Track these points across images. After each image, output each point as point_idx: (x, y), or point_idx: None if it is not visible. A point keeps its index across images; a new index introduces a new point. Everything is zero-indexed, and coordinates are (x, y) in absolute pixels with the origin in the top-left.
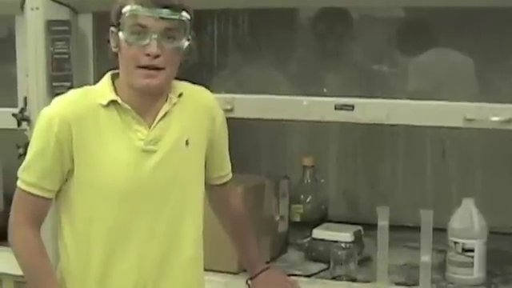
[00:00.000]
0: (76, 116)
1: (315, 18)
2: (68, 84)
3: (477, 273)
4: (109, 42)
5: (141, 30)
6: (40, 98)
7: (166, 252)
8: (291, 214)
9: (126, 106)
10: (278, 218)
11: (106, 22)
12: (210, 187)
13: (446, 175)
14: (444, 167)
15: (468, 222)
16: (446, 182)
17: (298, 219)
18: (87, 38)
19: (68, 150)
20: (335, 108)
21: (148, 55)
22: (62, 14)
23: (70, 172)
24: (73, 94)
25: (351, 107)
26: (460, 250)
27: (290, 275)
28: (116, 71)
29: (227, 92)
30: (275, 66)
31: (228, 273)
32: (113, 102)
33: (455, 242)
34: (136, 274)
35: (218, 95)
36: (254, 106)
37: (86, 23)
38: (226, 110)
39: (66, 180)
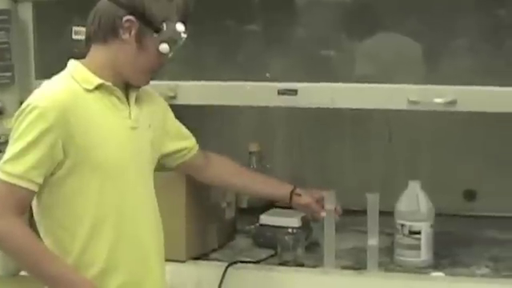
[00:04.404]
0: (68, 104)
1: (259, 2)
2: (9, 74)
3: (424, 255)
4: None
5: (173, 45)
6: None
7: (154, 231)
8: (238, 200)
9: (114, 87)
10: (224, 204)
11: (46, 11)
12: (197, 168)
13: (393, 158)
14: (390, 151)
15: (414, 204)
16: (393, 166)
17: (245, 205)
18: (27, 28)
19: (62, 140)
20: (278, 93)
21: (161, 64)
22: (1, 2)
23: (60, 164)
24: (58, 83)
25: (294, 92)
26: (407, 233)
27: (238, 262)
28: (80, 60)
29: (170, 79)
30: (218, 52)
31: (176, 261)
32: (97, 86)
33: (402, 225)
34: (140, 249)
35: (162, 82)
36: (197, 92)
37: (25, 12)
38: (170, 97)
39: (52, 174)
